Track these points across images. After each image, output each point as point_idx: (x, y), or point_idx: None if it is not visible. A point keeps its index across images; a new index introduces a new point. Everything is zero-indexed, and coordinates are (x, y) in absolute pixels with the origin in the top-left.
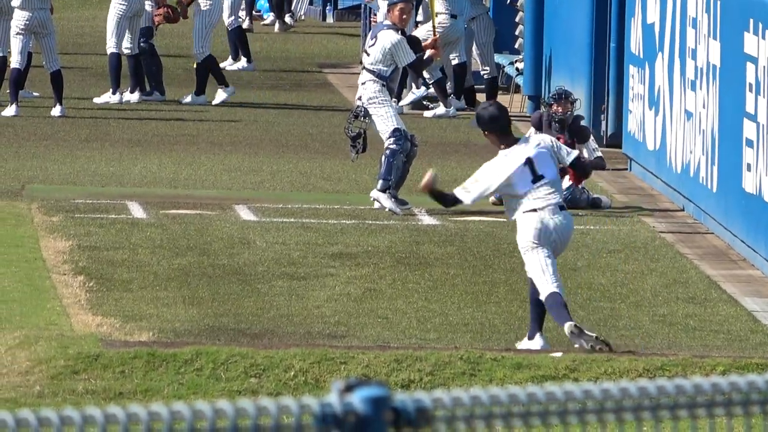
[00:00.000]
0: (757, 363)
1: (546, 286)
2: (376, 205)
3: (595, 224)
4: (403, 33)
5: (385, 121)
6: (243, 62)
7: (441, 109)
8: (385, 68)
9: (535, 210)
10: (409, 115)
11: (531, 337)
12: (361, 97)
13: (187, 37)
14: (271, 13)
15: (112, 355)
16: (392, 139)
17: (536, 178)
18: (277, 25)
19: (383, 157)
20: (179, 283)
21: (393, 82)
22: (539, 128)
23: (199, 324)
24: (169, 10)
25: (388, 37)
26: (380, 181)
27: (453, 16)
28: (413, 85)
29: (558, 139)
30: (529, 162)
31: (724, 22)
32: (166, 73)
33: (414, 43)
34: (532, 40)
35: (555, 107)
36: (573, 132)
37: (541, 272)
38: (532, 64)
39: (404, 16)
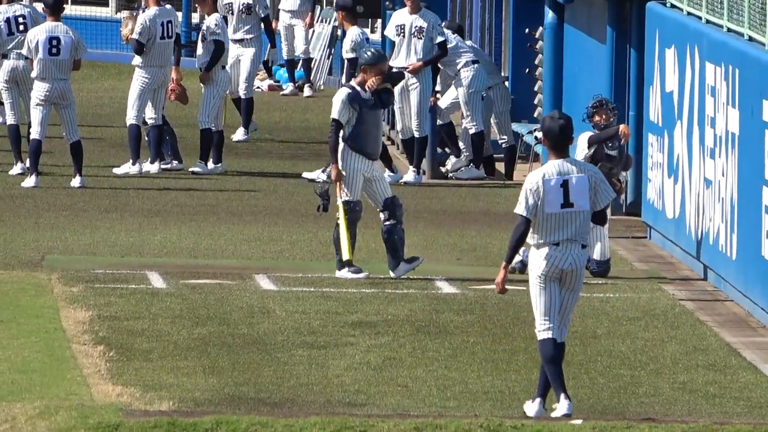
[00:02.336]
0: None
1: (538, 326)
2: (394, 275)
3: (614, 292)
4: (355, 93)
5: (341, 189)
6: (241, 133)
7: (409, 176)
8: (346, 128)
9: (556, 244)
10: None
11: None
12: None
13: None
14: (290, 83)
15: (133, 424)
16: (339, 213)
17: (566, 203)
18: (306, 91)
19: (334, 232)
20: (199, 352)
21: (357, 143)
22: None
23: (219, 393)
24: (182, 89)
25: (338, 93)
26: (336, 261)
27: (475, 62)
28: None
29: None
30: (564, 185)
31: (743, 90)
32: (184, 144)
33: (394, 76)
34: (551, 109)
35: (596, 118)
36: (621, 159)
37: (537, 310)
38: None
39: (370, 77)
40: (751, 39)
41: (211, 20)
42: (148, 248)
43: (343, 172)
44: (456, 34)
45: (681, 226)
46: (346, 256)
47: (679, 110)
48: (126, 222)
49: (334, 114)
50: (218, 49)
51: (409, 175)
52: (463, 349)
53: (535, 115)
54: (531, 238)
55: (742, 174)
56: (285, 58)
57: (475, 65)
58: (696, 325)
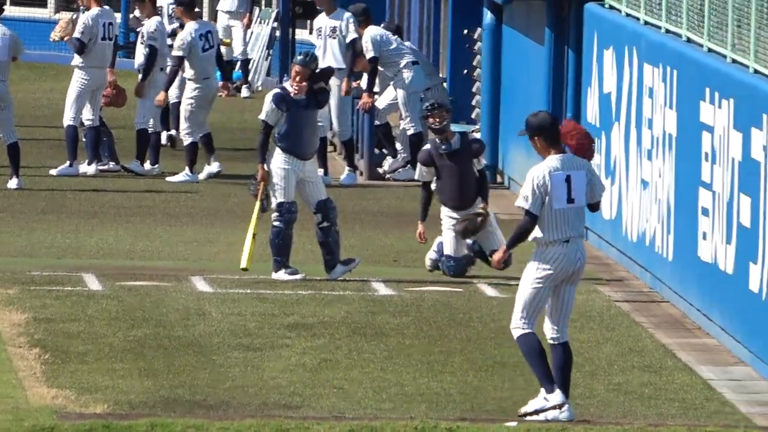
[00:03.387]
0: (712, 431)
1: (517, 322)
2: (330, 277)
3: None
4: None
5: (274, 191)
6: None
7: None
8: (277, 129)
9: (566, 241)
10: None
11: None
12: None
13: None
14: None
15: (68, 427)
16: (275, 215)
17: (569, 199)
18: (244, 92)
19: (270, 233)
20: (135, 354)
21: (289, 144)
22: (430, 164)
23: (155, 396)
24: (117, 92)
25: (267, 95)
26: (273, 262)
27: (415, 63)
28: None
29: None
30: (568, 179)
31: (681, 91)
32: (122, 145)
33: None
34: (489, 110)
35: (431, 119)
36: (467, 149)
37: (527, 308)
38: (489, 133)
39: (297, 78)
40: (689, 40)
41: (151, 24)
42: (84, 250)
43: (278, 172)
44: (395, 35)
45: (617, 227)
46: (244, 263)
47: (617, 111)
48: (63, 224)
49: (262, 115)
50: (152, 55)
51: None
52: (399, 351)
53: (473, 116)
54: (537, 236)
55: (679, 175)
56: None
57: (415, 66)
58: (631, 327)
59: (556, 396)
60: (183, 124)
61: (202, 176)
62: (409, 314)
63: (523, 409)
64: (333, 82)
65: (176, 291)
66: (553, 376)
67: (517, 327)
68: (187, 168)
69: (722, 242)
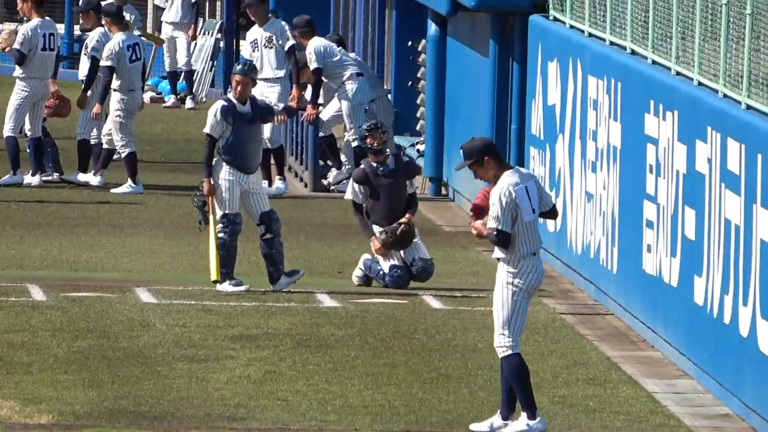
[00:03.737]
0: None
1: (510, 338)
2: (274, 288)
3: None
4: (229, 106)
5: (216, 203)
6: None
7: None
8: (222, 141)
9: (534, 254)
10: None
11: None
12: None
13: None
14: (172, 96)
15: None
16: (219, 226)
17: (533, 210)
18: (188, 103)
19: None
20: (79, 365)
21: (233, 156)
22: (365, 183)
23: (99, 407)
24: (61, 102)
25: (214, 105)
26: (220, 275)
27: (359, 75)
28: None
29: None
30: (527, 191)
31: (625, 103)
32: (65, 155)
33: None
34: (433, 122)
35: (369, 140)
36: (402, 170)
37: (512, 324)
38: (433, 145)
39: (238, 88)
40: (633, 52)
41: (94, 35)
42: (28, 261)
43: (222, 184)
44: (339, 47)
45: (562, 239)
46: (213, 275)
47: (561, 124)
48: (6, 234)
49: (207, 128)
50: (95, 66)
51: (279, 184)
52: (344, 362)
53: (418, 128)
54: (508, 253)
55: (624, 188)
56: (167, 70)
57: (359, 78)
58: (576, 339)
59: (539, 423)
60: (116, 137)
61: (77, 177)
62: (354, 326)
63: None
64: (270, 90)
65: (120, 302)
66: (534, 402)
67: (503, 346)
68: (129, 180)
69: (667, 255)
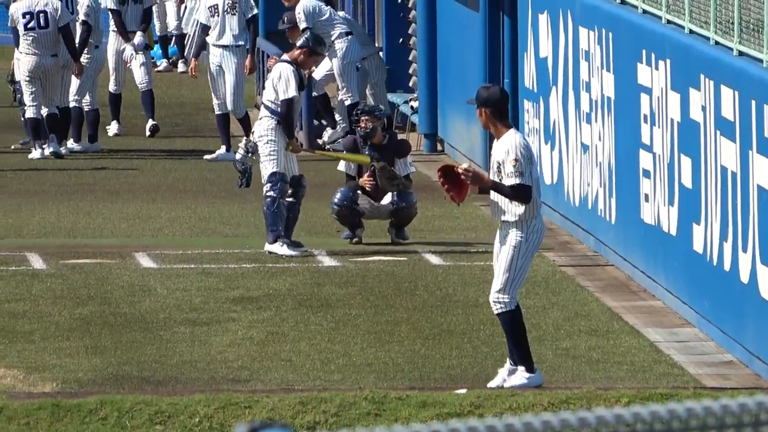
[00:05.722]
0: (661, 393)
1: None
2: (272, 249)
3: None
4: (299, 73)
5: (265, 162)
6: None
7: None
8: (278, 102)
9: (539, 215)
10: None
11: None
12: (254, 132)
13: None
14: (164, 60)
15: (17, 407)
16: (268, 185)
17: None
18: (180, 67)
19: (264, 206)
20: (81, 332)
21: (277, 115)
22: (356, 152)
23: (103, 373)
24: None
25: (278, 69)
26: (269, 234)
27: (348, 33)
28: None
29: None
30: None
31: (617, 54)
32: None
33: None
34: (426, 78)
35: (362, 124)
36: (392, 147)
37: (514, 284)
38: (427, 102)
39: (312, 65)
40: (623, 2)
41: (85, 0)
42: (26, 229)
43: (275, 143)
44: (328, 6)
45: (559, 191)
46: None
47: (554, 76)
48: (4, 203)
49: (289, 92)
50: (87, 32)
51: (223, 152)
52: (346, 321)
53: (411, 84)
54: (520, 207)
55: (619, 138)
56: (158, 34)
57: (349, 36)
58: (577, 291)
59: (537, 376)
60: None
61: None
62: (355, 285)
63: (496, 384)
64: (230, 58)
65: (120, 268)
66: (531, 355)
67: (501, 302)
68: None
69: (665, 204)
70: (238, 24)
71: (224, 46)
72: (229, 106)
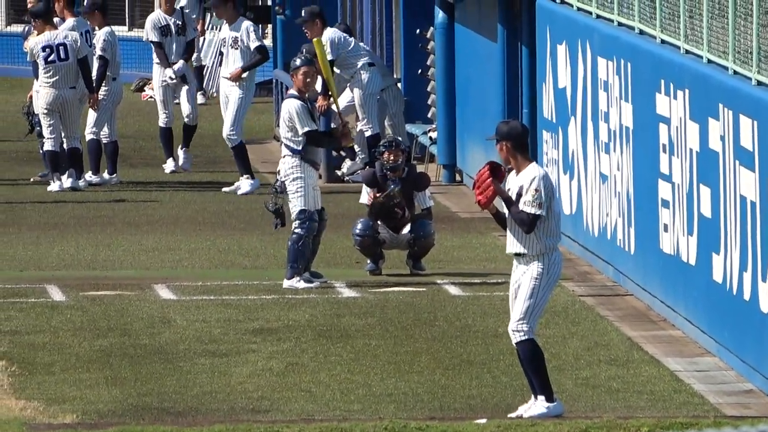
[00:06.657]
0: (681, 422)
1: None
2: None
3: None
4: (304, 99)
5: (294, 200)
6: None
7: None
8: (296, 139)
9: (557, 248)
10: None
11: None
12: (279, 171)
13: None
14: None
15: None
16: (297, 222)
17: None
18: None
19: (289, 242)
20: (101, 364)
21: (310, 154)
22: (374, 185)
23: (123, 404)
24: None
25: (287, 106)
26: (288, 269)
27: (371, 65)
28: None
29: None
30: None
31: (636, 83)
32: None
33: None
34: (445, 109)
35: (386, 155)
36: (411, 180)
37: (534, 313)
38: (446, 132)
39: (308, 80)
40: (642, 32)
41: (101, 35)
42: (46, 261)
43: (302, 181)
44: (351, 37)
45: (578, 222)
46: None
47: (573, 106)
48: (23, 236)
49: (304, 127)
50: (104, 66)
51: (245, 184)
52: (366, 352)
53: (429, 115)
54: (542, 241)
55: (638, 168)
56: None
57: (371, 68)
58: (597, 321)
59: (557, 406)
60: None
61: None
62: (374, 315)
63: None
64: (233, 90)
65: (140, 299)
66: (551, 385)
67: (521, 331)
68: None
69: (684, 233)
70: (241, 57)
71: (228, 78)
72: (223, 133)
